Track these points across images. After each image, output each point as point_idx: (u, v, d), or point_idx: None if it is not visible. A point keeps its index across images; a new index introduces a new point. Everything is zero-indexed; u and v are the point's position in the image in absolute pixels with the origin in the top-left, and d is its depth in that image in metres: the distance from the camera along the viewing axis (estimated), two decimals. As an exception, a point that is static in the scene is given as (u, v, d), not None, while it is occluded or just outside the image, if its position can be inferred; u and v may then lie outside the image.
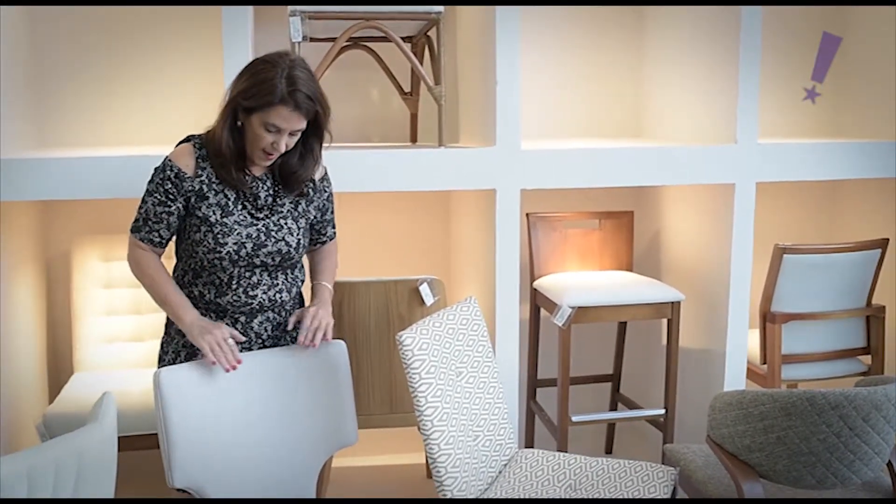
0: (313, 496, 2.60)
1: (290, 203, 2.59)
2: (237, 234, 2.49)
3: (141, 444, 3.04)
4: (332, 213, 2.78)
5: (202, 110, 3.79)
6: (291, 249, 2.56)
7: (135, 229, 2.53)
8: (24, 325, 3.53)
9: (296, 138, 2.48)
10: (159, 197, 2.49)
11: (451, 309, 2.81)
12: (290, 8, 3.18)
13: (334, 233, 2.81)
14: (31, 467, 1.67)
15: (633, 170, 3.48)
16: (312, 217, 2.68)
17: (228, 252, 2.49)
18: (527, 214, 3.74)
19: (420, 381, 2.54)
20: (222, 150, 2.46)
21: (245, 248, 2.50)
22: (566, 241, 3.85)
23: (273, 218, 2.55)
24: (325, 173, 2.71)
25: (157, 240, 2.52)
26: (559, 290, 3.49)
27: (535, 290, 3.74)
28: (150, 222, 2.50)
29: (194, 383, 2.41)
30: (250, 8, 3.21)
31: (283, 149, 2.45)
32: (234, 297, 2.53)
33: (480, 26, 3.48)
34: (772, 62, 4.12)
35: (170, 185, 2.48)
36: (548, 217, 3.81)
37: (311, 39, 3.44)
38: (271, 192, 2.57)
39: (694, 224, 3.83)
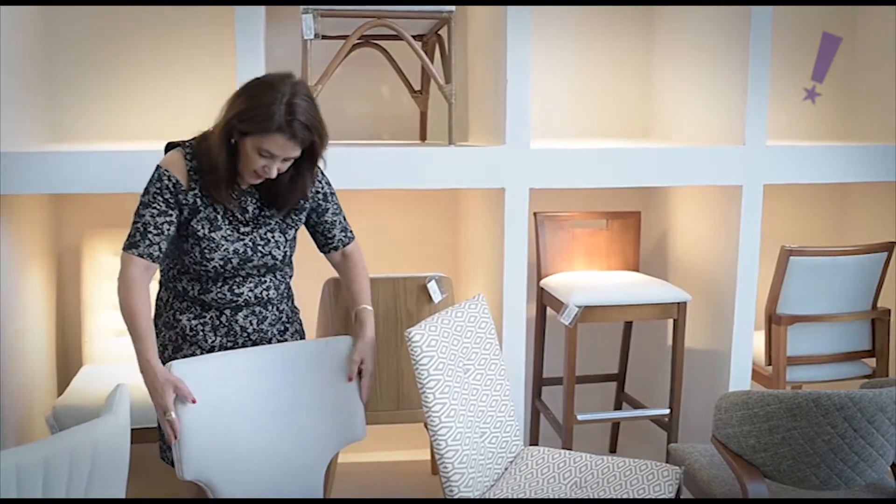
0: (321, 491, 2.62)
1: (279, 215, 2.56)
2: (224, 249, 2.47)
3: (150, 437, 3.05)
4: (337, 213, 2.68)
5: (214, 106, 3.83)
6: (278, 262, 2.56)
7: (131, 245, 2.42)
8: (34, 317, 3.55)
9: (289, 164, 2.43)
10: (159, 207, 2.42)
11: (459, 306, 2.83)
12: (302, 6, 3.20)
13: (346, 236, 2.71)
14: (47, 457, 1.69)
15: (641, 170, 3.49)
16: (310, 220, 2.64)
17: (214, 266, 2.48)
18: (534, 213, 3.75)
19: (428, 377, 2.56)
20: (218, 168, 2.40)
21: (231, 262, 2.49)
22: (573, 240, 3.86)
23: (260, 231, 2.52)
24: (318, 177, 2.61)
25: (157, 254, 2.42)
26: (566, 289, 3.51)
27: (542, 288, 3.75)
28: (150, 235, 2.41)
29: (205, 377, 2.42)
30: (263, 8, 3.22)
31: (274, 174, 2.40)
32: (220, 295, 2.54)
33: (491, 26, 3.50)
34: (780, 64, 4.13)
35: (168, 195, 2.42)
36: (555, 216, 3.83)
37: (323, 37, 3.46)
38: (258, 205, 2.53)
39: (701, 225, 3.84)
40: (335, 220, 2.67)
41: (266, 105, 2.33)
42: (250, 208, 2.52)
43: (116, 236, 3.62)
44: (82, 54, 3.80)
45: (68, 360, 3.88)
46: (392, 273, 3.31)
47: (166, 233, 2.43)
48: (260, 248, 2.52)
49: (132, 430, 2.02)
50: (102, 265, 3.62)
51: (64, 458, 1.72)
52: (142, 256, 2.41)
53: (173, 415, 2.34)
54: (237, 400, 2.46)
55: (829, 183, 3.78)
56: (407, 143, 3.74)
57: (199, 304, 2.56)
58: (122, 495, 1.96)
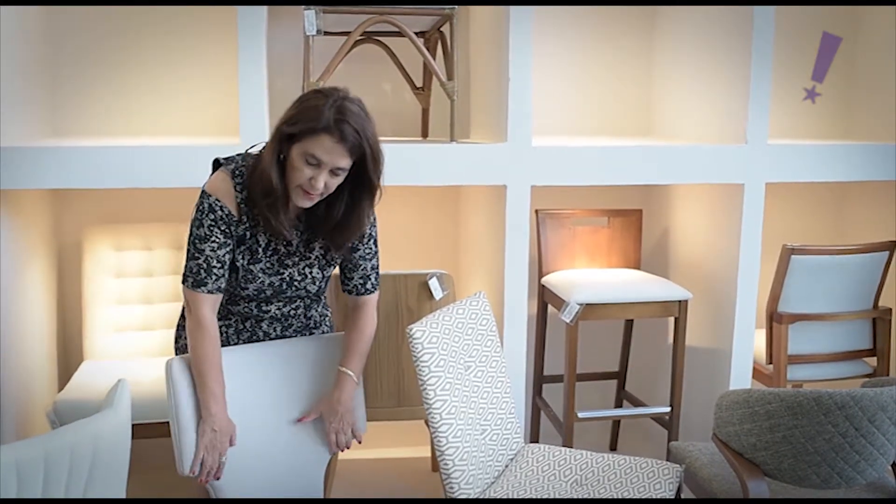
0: (321, 488, 2.62)
1: (321, 248, 2.47)
2: (259, 281, 2.42)
3: (149, 433, 3.06)
4: (366, 259, 2.53)
5: (215, 102, 3.85)
6: (311, 295, 2.53)
7: (198, 283, 2.34)
8: (35, 312, 3.55)
9: (338, 179, 2.29)
10: (218, 240, 2.34)
11: (460, 303, 2.83)
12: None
13: (365, 287, 2.56)
14: (47, 452, 1.68)
15: (643, 168, 3.49)
16: (340, 260, 2.54)
17: (247, 294, 2.46)
18: (536, 211, 3.75)
19: (429, 374, 2.56)
20: (273, 188, 2.28)
21: (264, 293, 2.46)
22: (574, 238, 3.86)
23: (299, 266, 2.45)
24: (373, 221, 2.52)
25: (223, 286, 2.37)
26: (567, 286, 3.51)
27: (543, 286, 3.75)
28: (214, 270, 2.34)
29: (206, 373, 2.42)
30: (265, 7, 3.21)
31: (320, 187, 2.25)
32: (247, 310, 2.52)
33: (494, 23, 3.49)
34: (781, 63, 4.12)
35: (224, 227, 2.34)
36: (557, 214, 3.83)
37: (325, 33, 3.46)
38: (303, 236, 2.44)
39: (702, 223, 3.84)
40: (360, 265, 2.54)
41: (315, 107, 2.24)
42: (294, 242, 2.43)
43: (118, 232, 3.63)
44: (84, 50, 3.79)
45: (69, 356, 3.88)
46: (393, 270, 3.31)
47: (228, 264, 2.38)
48: (296, 283, 2.47)
49: (133, 425, 2.02)
50: (103, 261, 3.62)
51: (64, 453, 1.72)
52: (211, 293, 2.37)
53: (225, 458, 2.36)
54: (237, 396, 2.46)
55: (830, 182, 3.77)
56: (409, 140, 3.73)
57: (223, 314, 2.53)
58: (122, 491, 1.95)
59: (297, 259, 2.45)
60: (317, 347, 2.61)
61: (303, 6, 3.20)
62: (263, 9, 3.20)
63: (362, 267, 2.55)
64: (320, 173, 2.25)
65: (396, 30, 3.32)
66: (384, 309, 3.23)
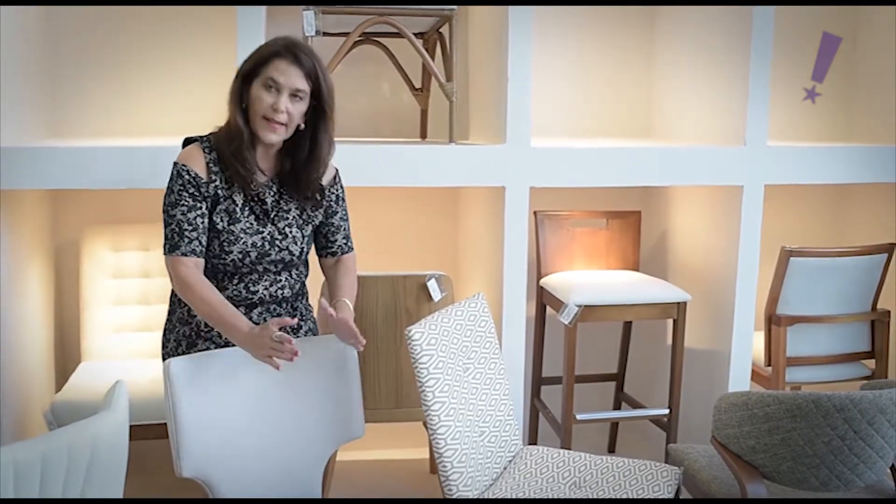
0: (319, 489, 2.61)
1: (297, 209, 2.55)
2: (242, 242, 2.47)
3: (147, 434, 3.06)
4: (344, 220, 2.68)
5: (214, 102, 3.81)
6: (294, 257, 2.56)
7: (172, 248, 2.41)
8: (33, 313, 3.54)
9: (299, 106, 2.42)
10: (187, 203, 2.41)
11: (459, 305, 2.82)
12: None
13: (348, 244, 2.70)
14: (44, 453, 1.68)
15: (642, 170, 3.49)
16: (317, 221, 2.63)
17: (233, 259, 2.49)
18: (534, 212, 3.75)
19: (428, 376, 2.56)
20: (237, 132, 2.41)
21: (249, 256, 2.49)
22: (573, 239, 3.86)
23: (279, 225, 2.52)
24: (336, 176, 2.66)
25: (200, 249, 2.42)
26: (566, 288, 3.50)
27: (542, 287, 3.75)
28: (186, 232, 2.41)
29: (204, 374, 2.42)
30: (263, 7, 3.21)
31: (283, 109, 2.37)
32: (235, 292, 2.54)
33: (493, 24, 3.49)
34: (781, 64, 4.12)
35: (193, 190, 2.42)
36: (556, 215, 3.83)
37: (324, 34, 3.45)
38: (277, 197, 2.53)
39: (701, 225, 3.84)
40: (341, 225, 2.67)
41: (265, 45, 2.44)
42: (269, 201, 2.51)
43: (116, 233, 3.63)
44: (83, 50, 3.79)
45: (67, 357, 3.87)
46: (392, 271, 3.31)
47: (202, 227, 2.43)
48: (278, 242, 2.52)
49: (130, 426, 2.01)
50: (102, 261, 3.61)
51: (62, 454, 1.71)
52: (186, 255, 2.41)
53: (281, 334, 2.27)
54: (236, 397, 2.45)
55: (830, 184, 3.77)
56: (407, 141, 3.73)
57: None
58: (120, 493, 1.95)
59: (274, 217, 2.52)
60: (314, 349, 2.60)
61: (301, 7, 3.20)
62: (262, 9, 3.19)
63: (343, 228, 2.67)
64: (280, 97, 2.38)
65: (396, 31, 3.32)
66: (382, 310, 3.23)
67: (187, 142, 2.56)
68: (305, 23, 3.20)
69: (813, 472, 2.46)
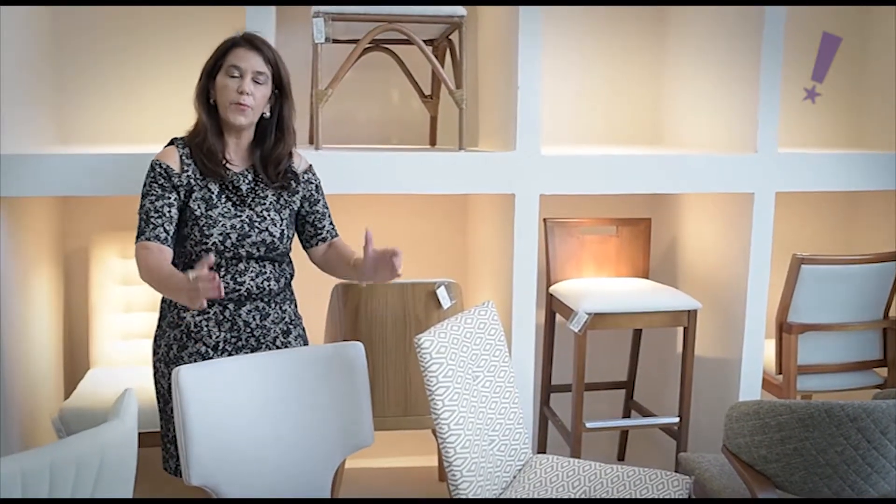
0: (328, 495, 2.60)
1: (273, 195, 2.65)
2: (221, 225, 2.55)
3: (155, 441, 3.04)
4: (327, 207, 2.80)
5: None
6: (275, 240, 2.61)
7: (139, 234, 2.52)
8: (41, 320, 3.54)
9: (262, 90, 2.56)
10: (155, 193, 2.54)
11: (469, 312, 2.81)
12: (313, 9, 3.19)
13: (335, 230, 2.82)
14: (53, 462, 1.67)
15: (652, 177, 3.47)
16: (302, 209, 2.73)
17: (214, 243, 2.54)
18: (544, 220, 3.74)
19: (437, 384, 2.54)
20: (203, 125, 2.58)
21: (230, 238, 2.55)
22: (583, 247, 3.85)
23: (256, 209, 2.61)
24: (310, 167, 2.78)
25: (164, 235, 2.51)
26: (575, 295, 3.49)
27: (552, 295, 3.73)
28: (152, 219, 2.51)
29: (213, 382, 2.41)
30: (273, 8, 3.21)
31: (248, 90, 2.52)
32: (223, 284, 2.56)
33: (503, 30, 3.48)
34: (791, 70, 4.11)
35: (162, 181, 2.54)
36: (565, 223, 3.81)
37: (334, 41, 3.45)
38: (252, 184, 2.64)
39: (712, 232, 3.82)
40: (325, 212, 2.78)
41: (224, 41, 2.60)
42: (244, 187, 2.62)
43: (124, 240, 3.63)
44: (91, 55, 3.79)
45: (75, 363, 3.87)
46: (401, 279, 3.29)
47: (168, 215, 2.53)
48: (257, 224, 2.59)
49: (139, 433, 2.01)
50: (110, 268, 3.62)
51: (70, 463, 1.70)
52: (149, 239, 2.50)
53: (194, 273, 2.22)
54: (245, 405, 2.45)
55: (842, 191, 3.75)
56: (417, 148, 3.72)
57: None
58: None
59: (251, 202, 2.62)
60: (325, 356, 2.60)
61: (311, 13, 3.19)
62: (272, 14, 3.19)
63: (328, 214, 2.80)
64: (244, 81, 2.54)
65: (405, 38, 3.32)
66: (392, 318, 3.22)
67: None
68: (315, 30, 3.20)
69: (825, 482, 2.44)
